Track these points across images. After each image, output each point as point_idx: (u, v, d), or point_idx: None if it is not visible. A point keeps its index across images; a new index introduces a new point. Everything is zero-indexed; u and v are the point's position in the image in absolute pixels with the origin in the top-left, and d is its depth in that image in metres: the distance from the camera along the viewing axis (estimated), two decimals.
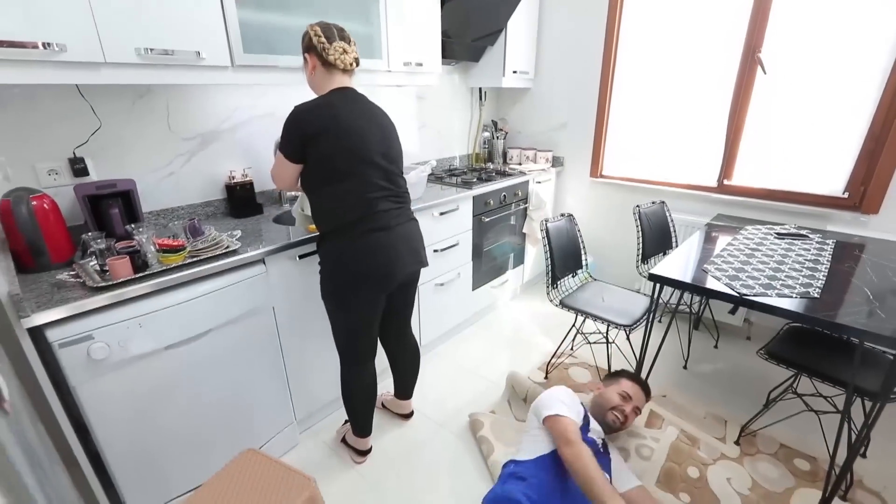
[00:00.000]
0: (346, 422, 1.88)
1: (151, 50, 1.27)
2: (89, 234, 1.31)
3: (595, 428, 1.53)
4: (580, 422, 1.43)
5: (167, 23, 1.31)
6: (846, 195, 2.15)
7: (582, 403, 1.55)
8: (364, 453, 1.74)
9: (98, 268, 1.25)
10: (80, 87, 1.46)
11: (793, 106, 2.22)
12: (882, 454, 1.74)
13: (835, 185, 2.18)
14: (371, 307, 1.50)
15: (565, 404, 1.45)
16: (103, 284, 1.17)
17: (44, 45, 1.10)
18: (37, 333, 1.07)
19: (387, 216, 1.42)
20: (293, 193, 1.99)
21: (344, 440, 1.79)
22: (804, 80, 2.16)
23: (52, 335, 1.08)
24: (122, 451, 1.27)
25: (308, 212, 1.52)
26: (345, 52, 1.36)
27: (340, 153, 1.33)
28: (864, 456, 1.73)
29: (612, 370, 1.86)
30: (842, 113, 2.11)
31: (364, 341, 1.56)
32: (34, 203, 1.27)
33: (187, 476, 1.44)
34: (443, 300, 2.37)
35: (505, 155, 3.21)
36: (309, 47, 1.36)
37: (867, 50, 1.99)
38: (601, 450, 1.47)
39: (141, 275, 1.23)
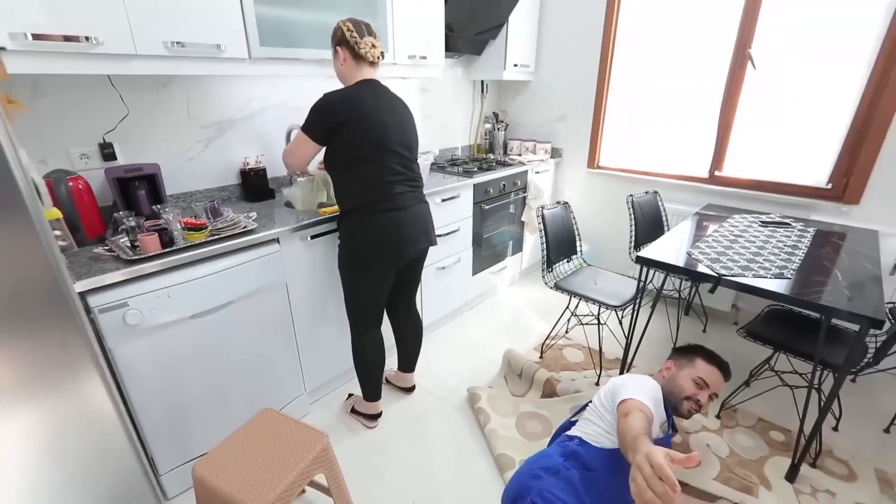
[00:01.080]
0: (349, 395, 2.01)
1: (177, 43, 1.38)
2: (121, 212, 1.43)
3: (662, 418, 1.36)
4: (659, 416, 1.29)
5: (191, 17, 1.42)
6: (829, 186, 2.25)
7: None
8: (375, 417, 1.87)
9: (129, 243, 1.37)
10: (111, 78, 1.58)
11: (781, 100, 2.32)
12: (852, 429, 1.86)
13: (819, 176, 2.29)
14: (383, 279, 1.64)
15: (648, 391, 1.26)
16: (135, 258, 1.29)
17: (84, 38, 1.21)
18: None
19: (402, 198, 1.56)
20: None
21: (353, 410, 1.92)
22: (792, 75, 2.26)
23: (93, 301, 1.21)
24: (151, 410, 1.40)
25: (295, 189, 1.77)
26: (373, 46, 1.49)
27: (364, 142, 1.46)
28: (836, 430, 1.85)
29: (687, 344, 1.58)
30: (827, 108, 2.20)
31: (374, 310, 1.70)
32: (71, 184, 1.39)
33: (209, 437, 1.57)
34: (444, 283, 2.49)
35: (506, 146, 3.31)
36: (341, 41, 1.48)
37: (851, 47, 2.08)
38: (671, 431, 1.40)
39: (168, 250, 1.36)
